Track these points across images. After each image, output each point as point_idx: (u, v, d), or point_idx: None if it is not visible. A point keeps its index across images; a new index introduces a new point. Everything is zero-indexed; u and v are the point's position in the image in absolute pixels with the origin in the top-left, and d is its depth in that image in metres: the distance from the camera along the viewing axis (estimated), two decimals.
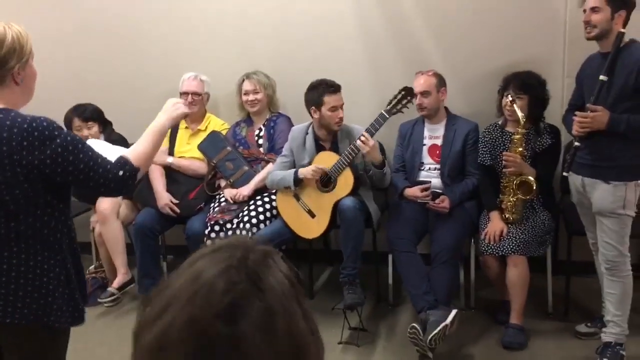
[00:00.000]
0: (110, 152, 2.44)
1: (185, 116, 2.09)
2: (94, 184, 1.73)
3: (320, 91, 3.26)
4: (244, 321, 0.67)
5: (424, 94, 3.31)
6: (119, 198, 3.84)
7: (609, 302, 2.84)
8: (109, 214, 3.66)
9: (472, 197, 3.36)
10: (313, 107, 3.30)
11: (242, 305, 0.68)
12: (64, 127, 3.67)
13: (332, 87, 3.25)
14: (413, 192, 3.33)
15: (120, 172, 1.75)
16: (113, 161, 1.78)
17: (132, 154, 1.83)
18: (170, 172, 3.79)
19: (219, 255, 0.73)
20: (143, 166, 1.84)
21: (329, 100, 3.24)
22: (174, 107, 2.02)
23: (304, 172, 3.27)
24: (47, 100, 4.17)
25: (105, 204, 3.71)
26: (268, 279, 0.71)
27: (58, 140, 1.67)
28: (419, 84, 3.32)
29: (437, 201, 3.26)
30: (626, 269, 2.78)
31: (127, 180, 1.77)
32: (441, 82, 3.36)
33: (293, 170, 3.34)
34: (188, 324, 0.67)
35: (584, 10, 2.68)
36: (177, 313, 0.68)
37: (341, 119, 3.27)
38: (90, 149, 1.76)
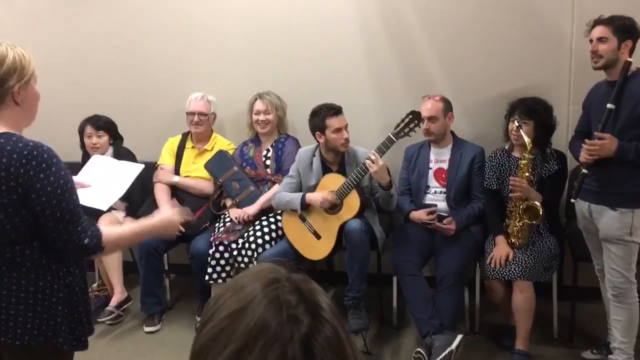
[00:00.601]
0: (115, 167, 2.46)
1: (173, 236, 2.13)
2: (57, 235, 1.68)
3: (322, 115, 3.28)
4: (319, 353, 0.72)
5: (432, 119, 3.33)
6: (121, 215, 3.85)
7: (616, 328, 2.83)
8: None
9: (477, 221, 3.36)
10: (318, 132, 3.32)
11: (312, 343, 0.72)
12: (79, 137, 3.73)
13: (334, 110, 3.28)
14: (419, 215, 3.34)
15: (86, 241, 1.70)
16: (87, 224, 1.72)
17: (108, 233, 1.77)
18: (176, 191, 3.80)
19: (271, 293, 0.76)
20: (107, 250, 1.78)
21: (332, 122, 3.26)
22: (169, 224, 1.99)
23: (312, 199, 3.27)
24: (56, 118, 4.24)
25: (104, 221, 3.71)
26: (322, 304, 0.77)
27: (54, 169, 1.66)
28: (427, 108, 3.34)
29: (444, 221, 3.26)
30: (633, 296, 2.77)
31: (85, 252, 1.72)
32: (448, 107, 3.38)
33: (301, 194, 3.34)
34: None
35: (591, 40, 2.71)
36: None
37: (347, 139, 3.29)
38: (75, 198, 1.72)
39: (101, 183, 2.25)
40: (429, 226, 3.30)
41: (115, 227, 1.87)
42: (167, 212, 2.01)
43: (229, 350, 0.72)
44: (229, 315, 0.75)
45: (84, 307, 1.85)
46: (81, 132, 3.80)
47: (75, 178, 2.19)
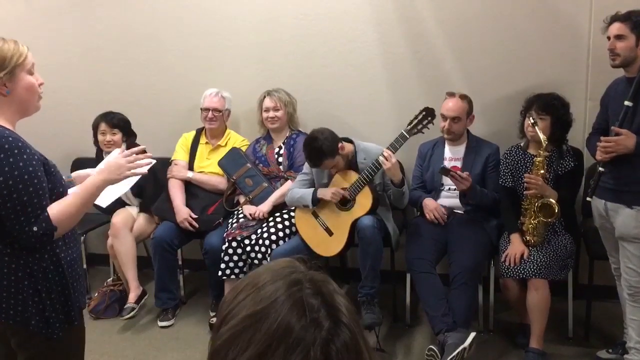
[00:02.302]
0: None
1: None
2: (9, 224, 1.70)
3: (335, 143, 3.18)
4: (337, 356, 0.73)
5: (455, 119, 3.29)
6: (135, 211, 3.88)
7: (632, 328, 2.79)
8: (120, 228, 3.70)
9: (491, 214, 3.33)
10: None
11: (331, 347, 0.73)
12: (91, 132, 3.75)
13: (311, 162, 3.25)
14: (432, 205, 3.31)
15: (35, 228, 1.70)
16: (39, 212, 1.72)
17: (55, 210, 1.75)
18: (190, 187, 3.81)
19: (294, 295, 0.77)
20: (62, 227, 1.76)
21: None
22: (116, 170, 1.92)
23: (323, 193, 3.27)
24: (71, 114, 4.29)
25: (118, 217, 3.76)
26: (342, 309, 0.78)
27: (11, 159, 1.66)
28: (449, 108, 3.29)
29: (463, 174, 3.18)
30: None
31: (39, 237, 1.72)
32: (471, 108, 3.34)
33: (312, 189, 3.34)
34: None
35: (608, 38, 2.67)
36: None
37: (336, 171, 3.29)
38: (33, 190, 1.71)
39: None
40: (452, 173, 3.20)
41: (61, 201, 1.80)
42: (113, 160, 1.95)
43: (250, 352, 0.72)
44: (251, 315, 0.76)
45: (59, 293, 1.83)
46: (95, 128, 3.83)
47: (92, 170, 2.18)
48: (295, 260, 0.85)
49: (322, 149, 3.12)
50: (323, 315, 0.75)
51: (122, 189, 2.28)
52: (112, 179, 1.92)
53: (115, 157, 1.97)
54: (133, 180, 2.08)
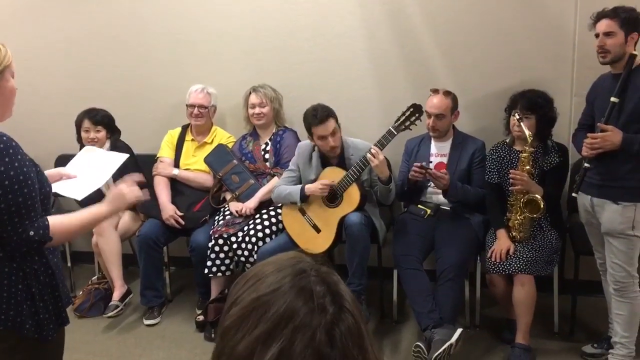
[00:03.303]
0: (101, 157, 2.46)
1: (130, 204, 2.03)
2: (2, 227, 1.65)
3: (308, 122, 3.26)
4: (341, 340, 0.77)
5: (439, 116, 3.29)
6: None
7: (617, 323, 2.81)
8: (105, 225, 3.66)
9: (478, 207, 3.34)
10: (309, 136, 3.33)
11: (335, 330, 0.78)
12: (75, 129, 3.73)
13: (317, 119, 3.21)
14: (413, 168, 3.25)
15: (31, 233, 1.67)
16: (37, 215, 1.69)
17: (56, 223, 1.74)
18: (176, 184, 3.79)
19: (300, 282, 0.81)
20: (57, 239, 1.75)
21: (316, 131, 3.23)
22: (119, 200, 1.96)
23: (311, 188, 3.26)
24: (55, 110, 4.25)
25: None
26: (346, 296, 0.82)
27: (7, 160, 1.63)
28: (434, 105, 3.29)
29: (441, 171, 3.20)
30: (634, 290, 2.76)
31: (32, 244, 1.69)
32: (455, 105, 3.34)
33: (299, 186, 3.33)
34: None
35: (597, 35, 2.66)
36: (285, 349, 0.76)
37: (332, 147, 3.24)
38: (27, 192, 1.68)
39: (85, 173, 2.25)
40: (421, 172, 3.20)
41: (65, 216, 1.80)
42: (115, 189, 1.99)
43: (259, 330, 0.77)
44: (260, 297, 0.80)
45: (50, 295, 1.82)
46: (78, 125, 3.79)
47: (63, 169, 2.18)
48: (302, 253, 0.91)
49: (326, 107, 3.21)
50: (328, 301, 0.79)
51: (97, 182, 2.27)
52: (118, 209, 1.99)
53: (119, 187, 2.00)
54: (109, 174, 2.06)
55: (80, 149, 3.80)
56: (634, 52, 2.61)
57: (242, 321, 0.80)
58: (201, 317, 3.49)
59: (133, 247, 4.04)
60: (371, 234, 3.24)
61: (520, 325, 3.02)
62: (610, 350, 2.87)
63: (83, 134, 3.76)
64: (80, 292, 3.84)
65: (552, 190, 3.10)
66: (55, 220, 1.74)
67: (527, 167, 3.03)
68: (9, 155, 1.64)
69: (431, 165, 3.37)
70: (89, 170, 2.33)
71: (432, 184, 3.36)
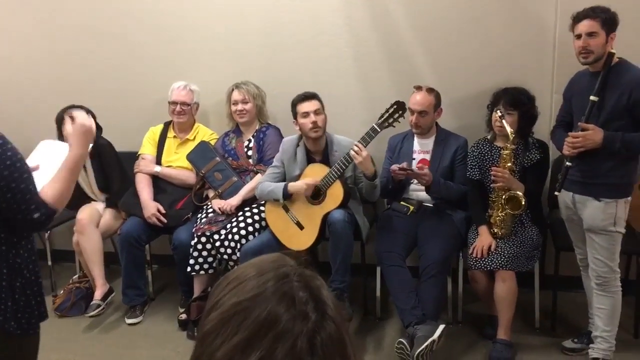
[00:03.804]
0: (62, 150, 2.43)
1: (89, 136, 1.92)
2: (12, 216, 1.67)
3: (295, 102, 3.32)
4: (322, 348, 0.76)
5: (422, 113, 3.30)
6: (101, 207, 3.80)
7: (598, 317, 2.85)
8: (86, 224, 3.62)
9: (460, 203, 3.36)
10: (294, 120, 3.34)
11: (316, 338, 0.76)
12: (55, 125, 3.68)
13: (304, 96, 3.31)
14: (394, 167, 3.25)
15: (36, 215, 1.68)
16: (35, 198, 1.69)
17: (51, 193, 1.73)
18: (158, 182, 3.76)
19: (282, 287, 0.79)
20: (61, 205, 1.76)
21: (301, 107, 3.28)
22: (82, 130, 1.89)
23: (295, 187, 3.25)
24: (36, 103, 4.19)
25: (83, 213, 3.67)
26: (329, 303, 0.80)
27: (8, 147, 1.64)
28: (417, 102, 3.29)
29: (423, 170, 3.21)
30: (616, 285, 2.80)
31: (42, 223, 1.71)
32: (438, 101, 3.35)
33: (283, 183, 3.32)
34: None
35: (578, 36, 2.66)
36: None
37: (314, 123, 3.25)
38: (26, 176, 1.69)
39: (47, 166, 2.21)
40: (405, 173, 3.22)
41: (50, 182, 1.78)
42: (71, 128, 1.91)
43: (239, 337, 0.75)
44: (241, 302, 0.78)
45: (33, 290, 1.82)
46: (59, 122, 3.73)
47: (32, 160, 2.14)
48: (286, 255, 0.88)
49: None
50: (310, 307, 0.77)
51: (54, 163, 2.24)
52: (84, 143, 1.90)
53: (72, 129, 1.91)
54: (63, 154, 2.02)
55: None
56: (612, 51, 2.63)
57: (222, 326, 0.77)
58: (184, 316, 3.47)
59: (115, 246, 4.00)
60: (354, 231, 3.24)
61: (502, 321, 3.04)
62: (591, 345, 2.91)
63: (64, 131, 3.71)
64: (61, 291, 3.79)
65: (533, 187, 3.13)
66: (45, 190, 1.74)
67: (509, 164, 3.05)
68: (4, 145, 1.65)
69: (414, 163, 3.39)
70: (50, 163, 2.30)
71: (415, 181, 3.37)
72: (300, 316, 0.76)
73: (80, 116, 1.95)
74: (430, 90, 3.32)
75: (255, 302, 0.77)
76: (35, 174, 2.07)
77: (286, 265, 0.84)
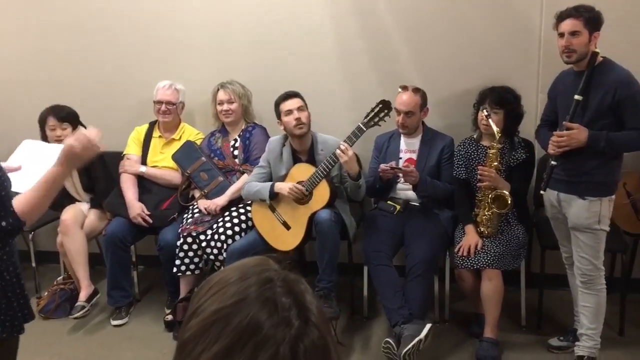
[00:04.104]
0: (44, 150, 2.40)
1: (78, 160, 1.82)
2: None
3: (277, 102, 3.33)
4: (304, 356, 0.74)
5: (408, 114, 3.30)
6: (86, 207, 3.76)
7: (584, 315, 2.86)
8: (70, 224, 3.58)
9: (446, 202, 3.36)
10: (278, 120, 3.33)
11: (299, 345, 0.74)
12: (38, 125, 3.63)
13: (286, 95, 3.32)
14: (383, 166, 3.24)
15: (3, 224, 1.62)
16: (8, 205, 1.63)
17: (21, 203, 1.67)
18: (143, 182, 3.72)
19: (265, 293, 0.77)
20: (31, 220, 1.70)
21: (284, 106, 3.29)
22: (72, 155, 1.79)
23: (282, 189, 3.24)
24: (20, 102, 4.14)
25: (67, 213, 3.64)
26: (312, 309, 0.78)
27: None
28: (403, 102, 3.28)
29: (409, 168, 3.22)
30: (601, 282, 2.81)
31: (8, 233, 1.64)
32: (424, 101, 3.35)
33: (270, 183, 3.31)
34: None
35: (561, 34, 2.67)
36: None
37: (298, 119, 3.25)
38: (8, 185, 1.64)
39: (28, 166, 2.18)
40: (392, 171, 3.23)
41: (25, 193, 1.71)
42: (66, 145, 1.79)
43: (219, 345, 0.72)
44: (222, 309, 0.75)
45: (15, 292, 1.79)
46: (42, 122, 3.69)
47: (3, 163, 2.11)
48: (270, 258, 0.86)
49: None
50: (294, 314, 0.75)
51: (40, 174, 2.20)
52: (74, 164, 1.82)
53: (69, 142, 1.81)
54: (51, 161, 1.97)
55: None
56: (596, 50, 2.65)
57: (202, 334, 0.75)
58: (170, 317, 3.45)
59: (100, 246, 3.97)
60: (341, 231, 3.24)
61: (488, 320, 3.06)
62: (577, 342, 2.92)
63: (49, 132, 3.67)
64: (45, 293, 3.75)
65: (519, 185, 3.14)
66: (18, 201, 1.68)
67: (495, 164, 3.06)
68: None
69: (401, 162, 3.39)
70: (31, 163, 2.27)
71: (402, 180, 3.37)
72: (283, 323, 0.74)
73: (90, 136, 1.81)
74: (416, 90, 3.31)
75: (237, 308, 0.75)
76: (16, 175, 2.04)
77: (270, 269, 0.82)
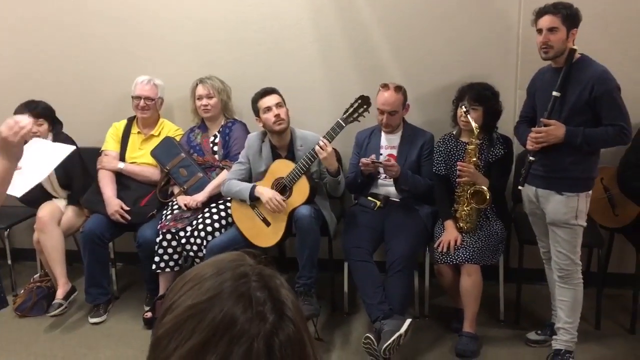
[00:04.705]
0: (47, 149, 2.35)
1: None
2: None
3: (255, 99, 3.30)
4: (280, 350, 0.73)
5: (392, 113, 3.29)
6: (63, 204, 3.71)
7: (561, 309, 2.90)
8: (47, 221, 3.53)
9: (426, 198, 3.37)
10: (257, 118, 3.32)
11: (274, 339, 0.73)
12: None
13: (263, 91, 3.30)
14: (365, 160, 3.25)
15: None
16: None
17: None
18: (121, 178, 3.68)
19: (240, 288, 0.76)
20: None
21: (262, 103, 3.27)
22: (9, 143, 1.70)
23: (262, 194, 3.21)
24: None
25: (44, 210, 3.59)
26: (288, 303, 0.78)
27: None
28: (386, 102, 3.27)
29: (390, 162, 3.24)
30: (578, 277, 2.85)
31: None
32: (405, 98, 3.35)
33: (251, 184, 3.29)
34: None
35: (539, 31, 2.70)
36: None
37: (277, 116, 3.24)
38: None
39: (27, 166, 2.13)
40: (373, 165, 3.24)
41: None
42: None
43: (193, 341, 0.72)
44: (196, 304, 0.75)
45: None
46: None
47: None
48: (245, 253, 0.85)
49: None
50: (268, 308, 0.75)
51: (38, 176, 2.15)
52: (11, 152, 1.73)
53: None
54: (51, 167, 1.95)
55: None
56: (574, 47, 2.68)
57: (176, 330, 0.74)
58: (149, 314, 3.42)
59: (77, 243, 3.92)
60: (321, 227, 3.24)
61: (467, 314, 3.08)
62: (554, 336, 2.95)
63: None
64: (22, 291, 3.70)
65: (497, 181, 3.17)
66: None
67: (474, 159, 3.08)
68: None
69: (381, 158, 3.38)
70: (31, 163, 2.21)
71: (383, 175, 3.38)
72: (257, 317, 0.73)
73: (18, 120, 1.72)
74: (397, 88, 3.31)
75: (212, 303, 0.74)
76: (16, 175, 1.98)
77: (245, 264, 0.81)
